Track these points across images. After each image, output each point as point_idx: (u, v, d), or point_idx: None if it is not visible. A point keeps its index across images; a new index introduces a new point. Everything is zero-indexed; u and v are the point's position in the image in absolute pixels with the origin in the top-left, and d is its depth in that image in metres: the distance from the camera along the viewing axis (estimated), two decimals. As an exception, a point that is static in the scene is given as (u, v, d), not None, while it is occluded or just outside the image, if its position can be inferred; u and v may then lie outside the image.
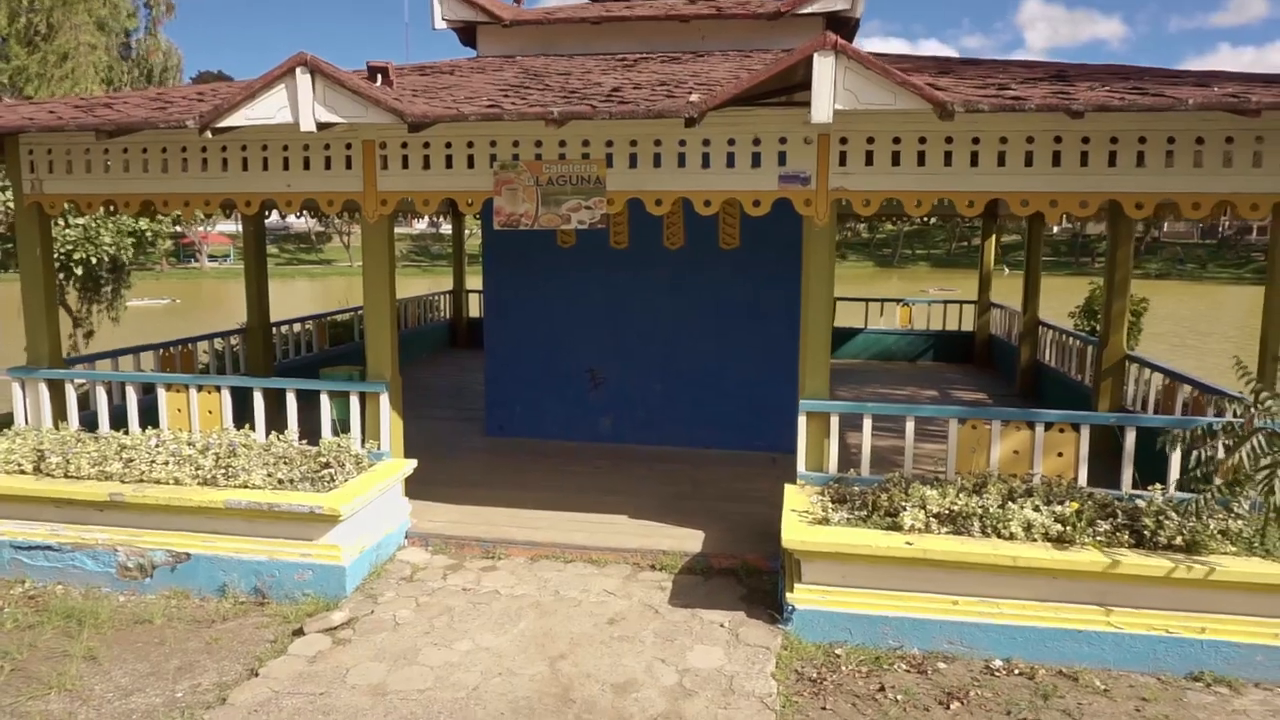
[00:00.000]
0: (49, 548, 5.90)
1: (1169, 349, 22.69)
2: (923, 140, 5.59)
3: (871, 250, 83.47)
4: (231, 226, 63.15)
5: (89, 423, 7.04)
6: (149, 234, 11.89)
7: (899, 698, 4.50)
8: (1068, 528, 5.01)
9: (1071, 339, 10.63)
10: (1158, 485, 5.45)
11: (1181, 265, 68.57)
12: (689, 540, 6.28)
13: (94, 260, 11.16)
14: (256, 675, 4.61)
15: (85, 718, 4.27)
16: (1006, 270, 41.38)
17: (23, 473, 6.15)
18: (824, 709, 4.40)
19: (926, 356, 15.11)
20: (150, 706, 4.35)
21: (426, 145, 6.15)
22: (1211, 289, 55.23)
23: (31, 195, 6.77)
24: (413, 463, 6.55)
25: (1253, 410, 4.86)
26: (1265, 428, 4.83)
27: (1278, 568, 4.68)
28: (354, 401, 6.49)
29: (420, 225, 76.97)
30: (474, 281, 16.37)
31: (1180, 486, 5.47)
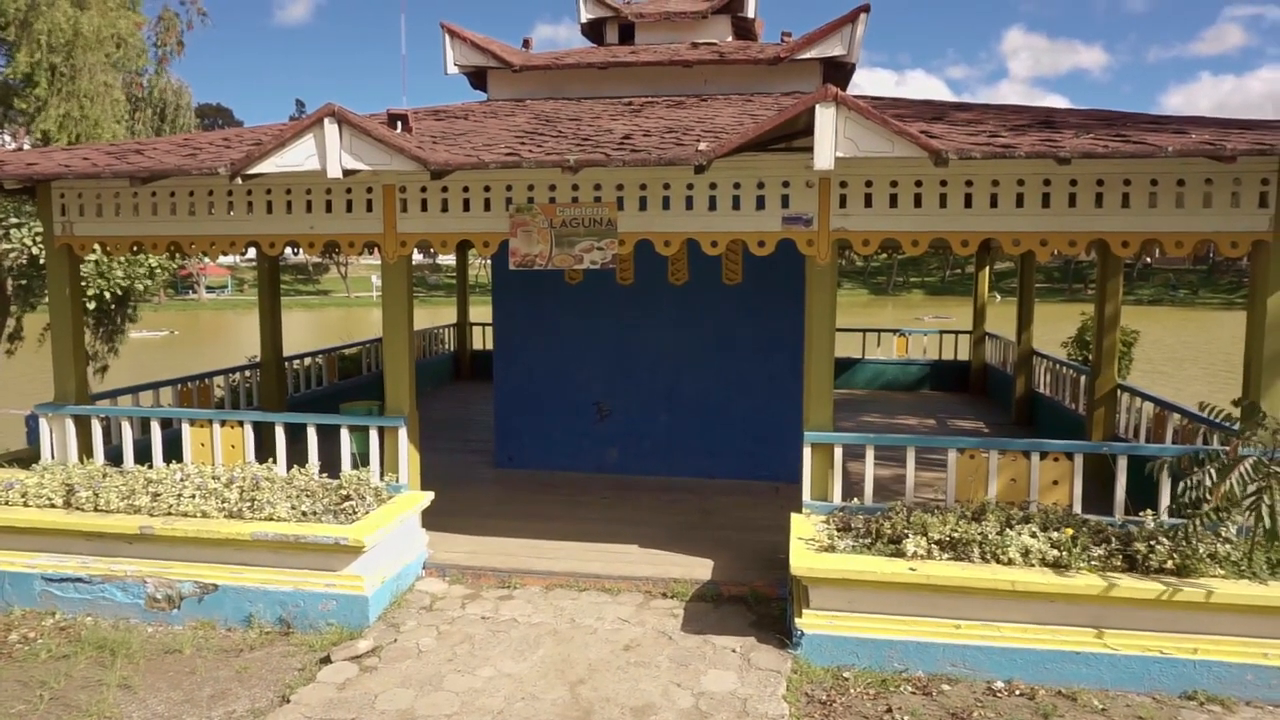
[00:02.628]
0: (79, 580, 6.08)
1: (1161, 377, 23.01)
2: (919, 184, 5.89)
3: (866, 278, 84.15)
4: (229, 258, 63.55)
5: (113, 457, 7.25)
6: (159, 269, 12.14)
7: (906, 718, 4.69)
8: (1064, 553, 5.23)
9: (1065, 369, 10.90)
10: (1149, 511, 5.69)
11: (1174, 291, 69.27)
12: (698, 568, 6.48)
13: (106, 295, 11.40)
14: (288, 702, 4.79)
15: (126, 743, 4.44)
16: (998, 298, 41.77)
17: (53, 506, 6.35)
18: (834, 730, 4.59)
19: (923, 386, 15.36)
20: (188, 732, 4.53)
21: (445, 189, 6.43)
22: (1203, 314, 55.77)
23: (62, 237, 7.03)
24: (430, 495, 6.76)
25: (1238, 439, 5.11)
26: (1250, 455, 5.08)
27: (1265, 590, 4.90)
28: (373, 435, 6.71)
29: (417, 256, 77.53)
30: (476, 314, 16.67)
31: (1171, 512, 5.70)
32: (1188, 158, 5.20)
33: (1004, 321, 14.73)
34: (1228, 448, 5.24)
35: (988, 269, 14.98)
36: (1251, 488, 5.14)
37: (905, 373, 15.52)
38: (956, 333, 15.84)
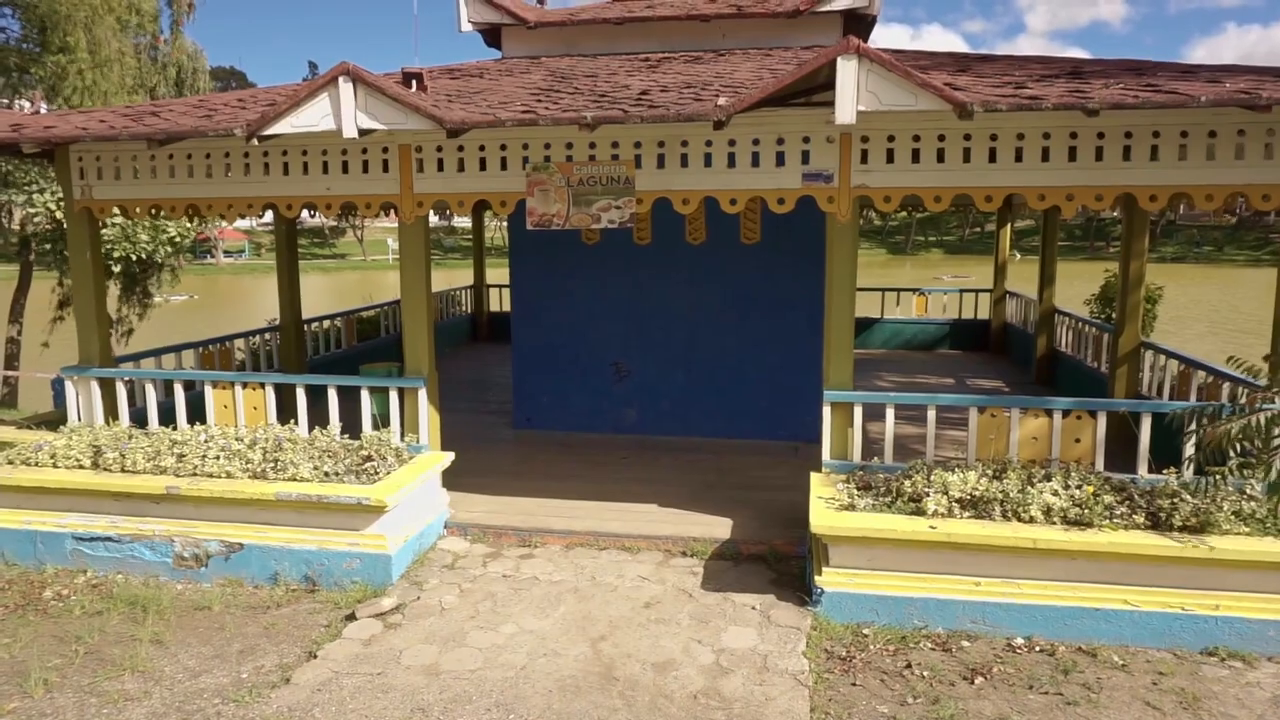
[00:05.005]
0: (109, 539, 6.19)
1: (1192, 334, 22.74)
2: (941, 138, 5.77)
3: (884, 237, 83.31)
4: (246, 222, 63.72)
5: (138, 419, 7.34)
6: (180, 236, 12.20)
7: (925, 674, 4.73)
8: (1086, 511, 5.21)
9: (1087, 327, 10.78)
10: (1172, 469, 5.65)
11: (1199, 248, 68.13)
12: (718, 527, 6.52)
13: (132, 258, 11.47)
14: (315, 657, 4.88)
15: (159, 696, 4.55)
16: (1018, 256, 41.28)
17: (81, 467, 6.45)
18: (854, 685, 4.63)
19: (943, 345, 15.26)
20: (219, 686, 4.63)
21: (461, 149, 6.37)
22: (1229, 272, 54.93)
23: (81, 200, 7.05)
24: (450, 455, 6.81)
25: (1260, 393, 5.04)
26: (1273, 408, 5.01)
27: (1289, 547, 4.86)
28: (393, 397, 6.75)
29: (433, 219, 77.42)
30: (493, 276, 16.66)
31: (1196, 469, 5.66)
32: (1221, 108, 5.06)
33: (1024, 280, 14.55)
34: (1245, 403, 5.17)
35: (1009, 226, 14.77)
36: (1277, 441, 5.09)
37: (924, 332, 15.41)
38: (976, 291, 15.68)
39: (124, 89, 14.05)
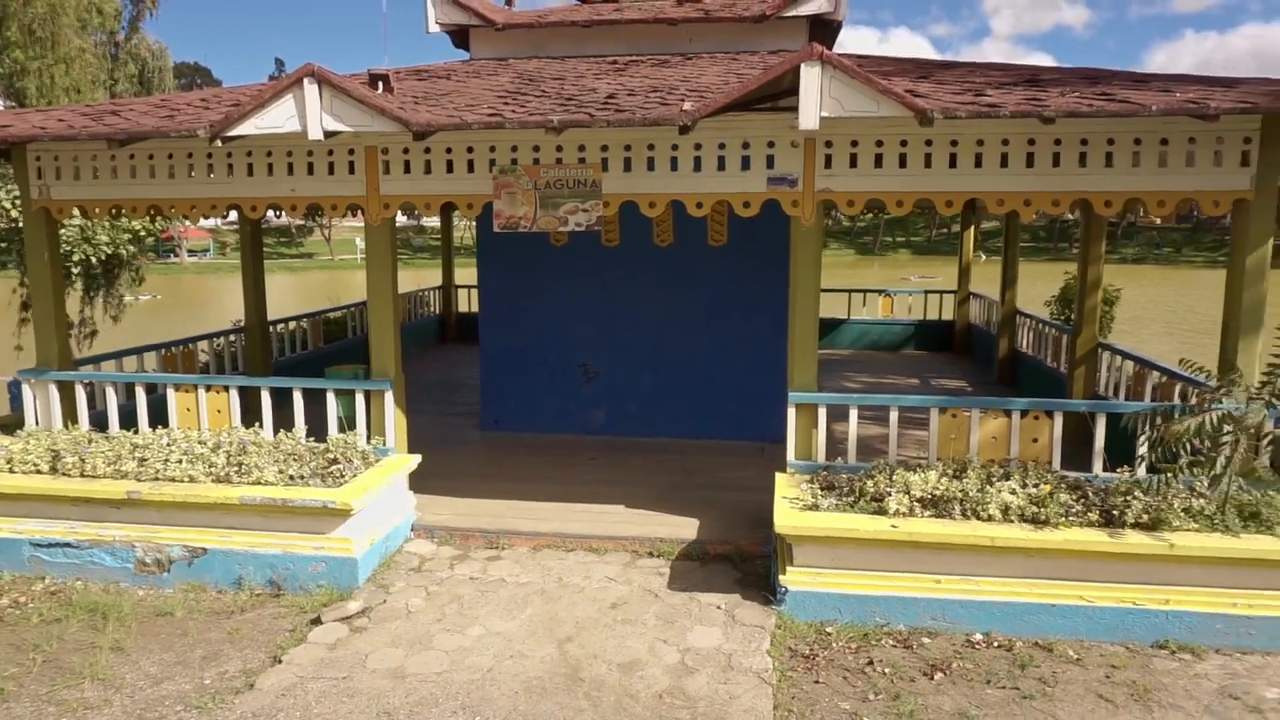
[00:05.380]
0: (68, 545, 6.10)
1: (1149, 334, 23.22)
2: (904, 143, 5.88)
3: (852, 238, 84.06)
4: (210, 221, 62.80)
5: (98, 423, 7.23)
6: (144, 233, 12.01)
7: (886, 670, 4.81)
8: (1042, 509, 5.33)
9: (1047, 328, 10.99)
10: (1127, 467, 5.80)
11: (1158, 250, 69.61)
12: (684, 528, 6.57)
13: (92, 260, 11.28)
14: (280, 662, 4.85)
15: (120, 704, 4.50)
16: (984, 257, 41.88)
17: (39, 472, 6.34)
18: (817, 682, 4.71)
19: (908, 346, 15.46)
20: (181, 693, 4.59)
21: (428, 151, 6.37)
22: (1187, 273, 56.15)
23: (39, 200, 6.94)
24: (417, 458, 6.79)
25: (1210, 394, 5.21)
26: (1220, 409, 5.18)
27: (1234, 542, 5.02)
28: (359, 399, 6.72)
29: (402, 218, 76.84)
30: (462, 276, 16.59)
31: (1148, 468, 5.81)
32: (1171, 116, 5.21)
33: (989, 281, 14.77)
34: (1196, 404, 5.33)
35: (972, 229, 15.00)
36: (1225, 439, 5.26)
37: (890, 332, 15.61)
38: (941, 292, 15.91)
39: (85, 86, 13.81)
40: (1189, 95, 5.17)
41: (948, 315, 15.51)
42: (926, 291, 16.30)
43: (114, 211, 7.16)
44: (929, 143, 5.85)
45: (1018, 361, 11.97)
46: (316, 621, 5.33)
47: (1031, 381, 11.06)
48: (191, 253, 68.63)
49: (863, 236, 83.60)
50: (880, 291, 16.14)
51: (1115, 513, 5.32)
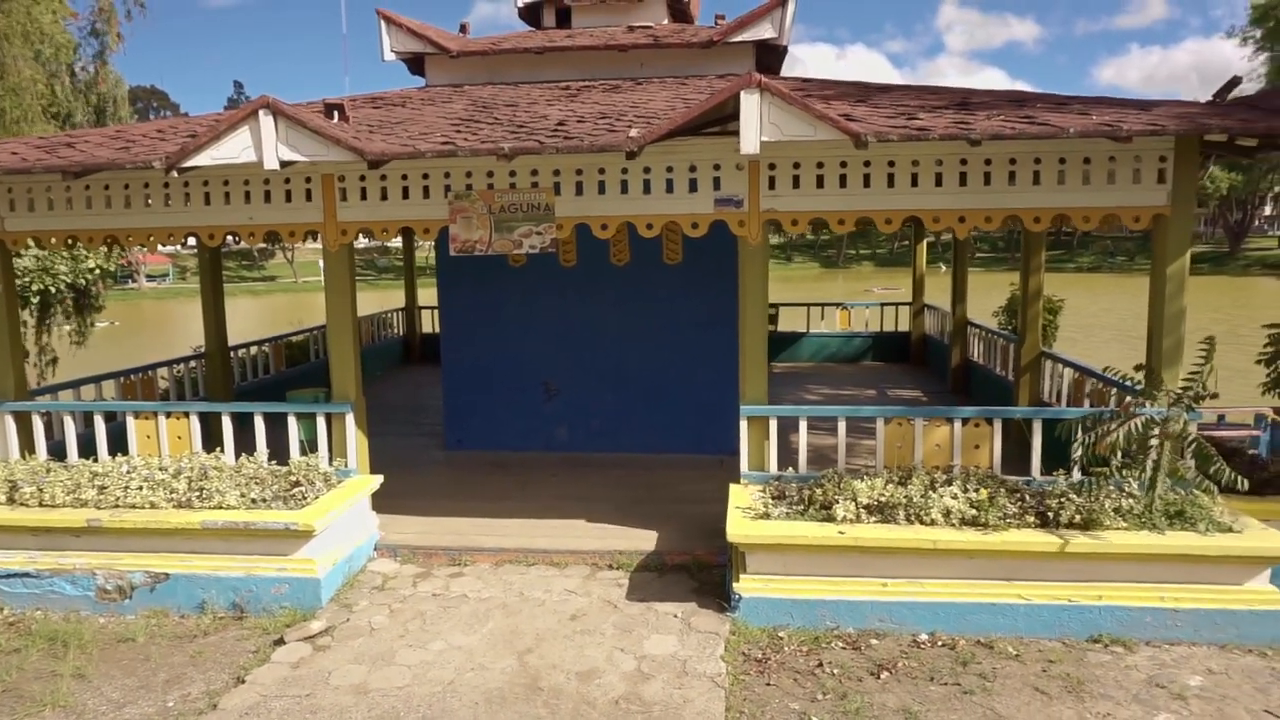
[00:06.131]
0: (26, 575, 6.11)
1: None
2: (844, 164, 6.14)
3: (816, 251, 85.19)
4: (170, 247, 62.03)
5: (56, 452, 7.23)
6: (99, 267, 12.01)
7: (835, 671, 5.01)
8: (981, 512, 5.57)
9: (996, 338, 11.35)
10: (1062, 471, 6.08)
11: (1112, 258, 71.39)
12: (643, 540, 6.73)
13: (52, 290, 11.24)
14: (243, 682, 4.93)
15: (82, 729, 4.55)
16: (944, 267, 42.70)
17: (-3, 503, 6.35)
18: (768, 685, 4.88)
19: (867, 357, 15.80)
20: (144, 716, 4.65)
21: (384, 178, 6.51)
22: (1140, 281, 57.25)
23: (-6, 233, 6.96)
24: (379, 478, 6.89)
25: (1132, 399, 5.50)
26: (1143, 414, 5.47)
27: (1161, 539, 5.30)
28: (320, 422, 6.81)
29: (365, 240, 76.43)
30: (425, 297, 16.65)
31: (1082, 471, 6.09)
32: (1090, 138, 5.51)
33: (948, 292, 15.15)
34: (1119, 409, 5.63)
35: (924, 243, 15.41)
36: (1153, 442, 5.55)
37: (849, 345, 15.94)
38: (897, 305, 16.29)
39: (36, 115, 13.75)
40: (1104, 118, 5.48)
41: (904, 327, 15.88)
42: (883, 304, 16.67)
43: (70, 242, 7.20)
44: (867, 164, 6.12)
45: (969, 370, 12.32)
46: (280, 642, 5.40)
47: (982, 390, 11.39)
48: (150, 278, 67.70)
49: (826, 250, 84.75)
50: (838, 305, 16.48)
51: (1051, 514, 5.58)
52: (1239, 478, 5.48)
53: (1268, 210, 77.51)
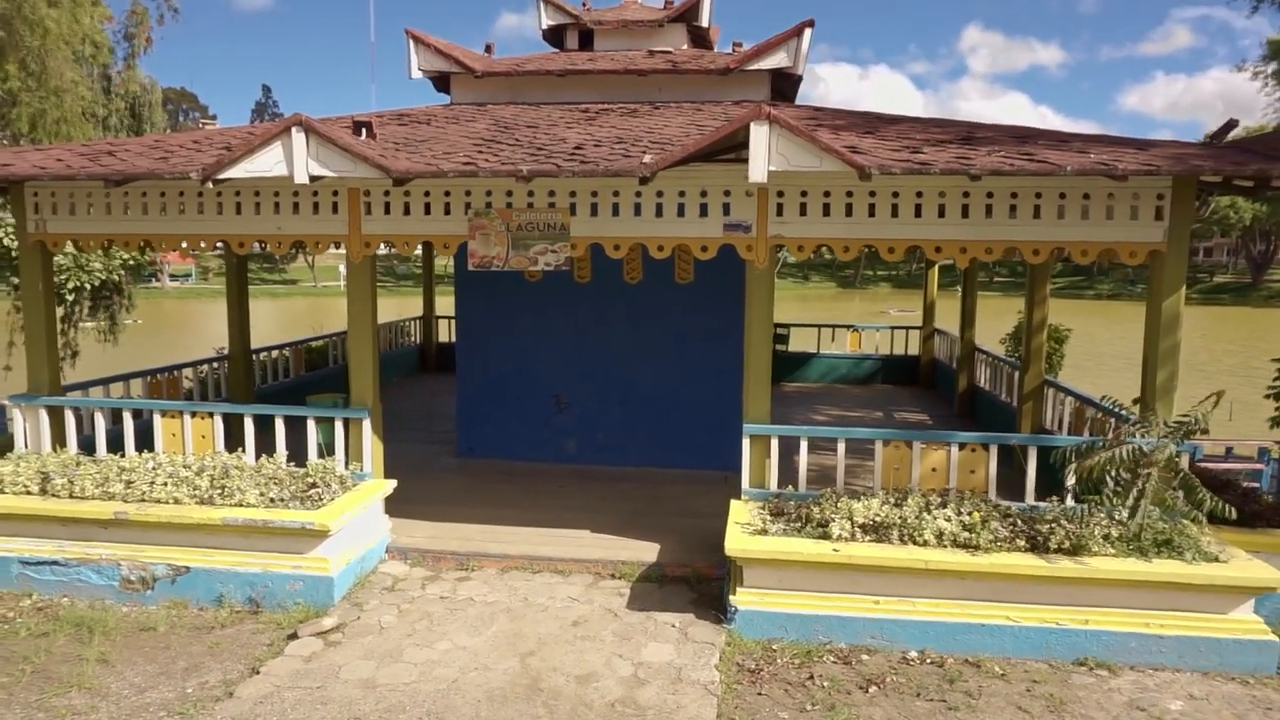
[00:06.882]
0: (55, 563, 6.38)
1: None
2: (849, 194, 6.36)
3: (833, 271, 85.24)
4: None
5: (85, 446, 7.53)
6: (133, 263, 12.39)
7: (825, 684, 5.18)
8: (973, 535, 5.75)
9: (1002, 365, 11.50)
10: (1054, 497, 6.24)
11: (1131, 286, 71.06)
12: (646, 552, 6.93)
13: (86, 287, 11.62)
14: (258, 673, 5.17)
15: (106, 711, 4.79)
16: (960, 290, 42.67)
17: (29, 494, 6.64)
18: (760, 694, 5.07)
19: (876, 380, 15.95)
20: (165, 701, 4.89)
21: (407, 193, 6.79)
22: (1157, 310, 57.06)
23: (35, 234, 7.29)
24: (393, 483, 7.14)
25: (1122, 428, 5.67)
26: (1132, 443, 5.63)
27: (1148, 566, 5.45)
28: (338, 426, 7.07)
29: (386, 248, 77.20)
30: (442, 306, 16.97)
31: (1075, 498, 6.25)
32: (1086, 175, 5.70)
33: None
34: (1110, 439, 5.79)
35: (936, 267, 15.56)
36: (1145, 472, 5.71)
37: (859, 367, 16.10)
38: (908, 328, 16.44)
39: (76, 118, 14.21)
40: (1102, 157, 5.68)
41: (914, 350, 16.03)
42: (893, 328, 16.83)
43: (106, 244, 7.51)
44: (872, 194, 6.33)
45: (976, 396, 12.46)
46: (293, 636, 5.64)
47: (988, 415, 11.53)
48: (173, 278, 68.67)
49: (844, 270, 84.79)
50: (849, 327, 16.66)
51: (1041, 539, 5.75)
52: (1227, 508, 5.63)
53: (1291, 242, 76.92)
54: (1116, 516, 5.86)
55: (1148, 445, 5.72)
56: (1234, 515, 5.67)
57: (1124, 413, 6.53)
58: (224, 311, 10.35)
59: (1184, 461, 5.98)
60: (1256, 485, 7.77)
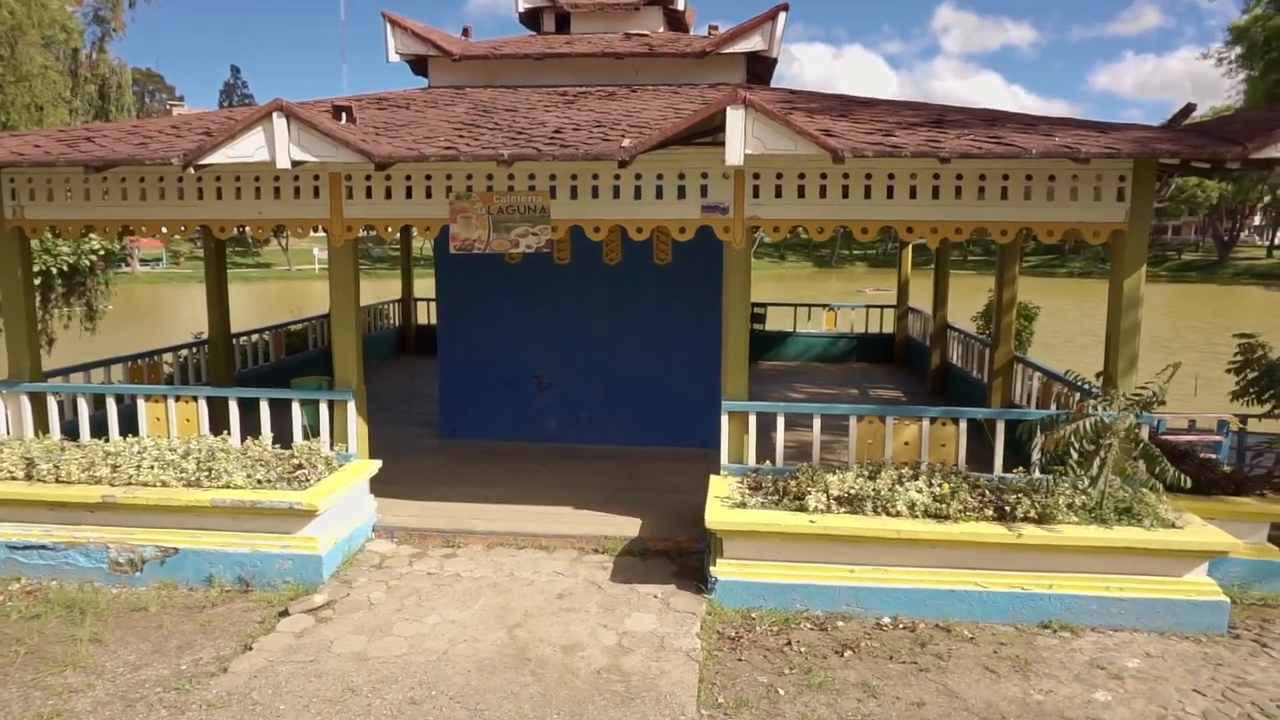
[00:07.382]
0: (43, 547, 6.45)
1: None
2: (823, 176, 6.51)
3: (810, 251, 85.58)
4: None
5: (69, 432, 7.56)
6: (103, 247, 12.29)
7: (802, 649, 5.39)
8: (943, 505, 5.97)
9: (973, 342, 11.76)
10: (1021, 469, 6.48)
11: (1102, 264, 71.98)
12: (628, 527, 7.11)
13: (53, 271, 11.53)
14: (251, 649, 5.29)
15: (102, 688, 4.90)
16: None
17: (14, 479, 6.68)
18: (740, 660, 5.27)
19: (851, 358, 16.21)
20: (160, 677, 5.01)
21: (389, 178, 6.85)
22: (1127, 287, 57.97)
23: (13, 220, 7.28)
24: (378, 463, 7.25)
25: (1085, 402, 5.90)
26: (1094, 416, 5.87)
27: (1108, 533, 5.70)
28: (323, 409, 7.16)
29: (365, 232, 76.42)
30: (421, 289, 16.99)
31: (1041, 469, 6.49)
32: (1051, 158, 5.89)
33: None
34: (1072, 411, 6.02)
35: (910, 247, 15.80)
36: (1106, 442, 5.95)
37: (834, 346, 16.34)
38: (883, 307, 16.69)
39: (47, 103, 14.03)
40: (1066, 140, 5.87)
41: (889, 329, 16.29)
42: (868, 306, 17.08)
43: (85, 231, 7.52)
44: (846, 176, 6.49)
45: (948, 373, 12.74)
46: (284, 613, 5.76)
47: (960, 391, 11.81)
48: (144, 262, 67.57)
49: (820, 249, 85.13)
50: (825, 306, 16.88)
51: (1009, 508, 5.98)
52: (1183, 477, 5.89)
53: (1257, 220, 78.34)
54: (1080, 486, 6.10)
55: (1109, 417, 5.96)
56: (1189, 484, 5.94)
57: (1088, 387, 6.77)
58: (196, 296, 10.45)
59: (1144, 432, 6.24)
60: (1214, 455, 8.07)
